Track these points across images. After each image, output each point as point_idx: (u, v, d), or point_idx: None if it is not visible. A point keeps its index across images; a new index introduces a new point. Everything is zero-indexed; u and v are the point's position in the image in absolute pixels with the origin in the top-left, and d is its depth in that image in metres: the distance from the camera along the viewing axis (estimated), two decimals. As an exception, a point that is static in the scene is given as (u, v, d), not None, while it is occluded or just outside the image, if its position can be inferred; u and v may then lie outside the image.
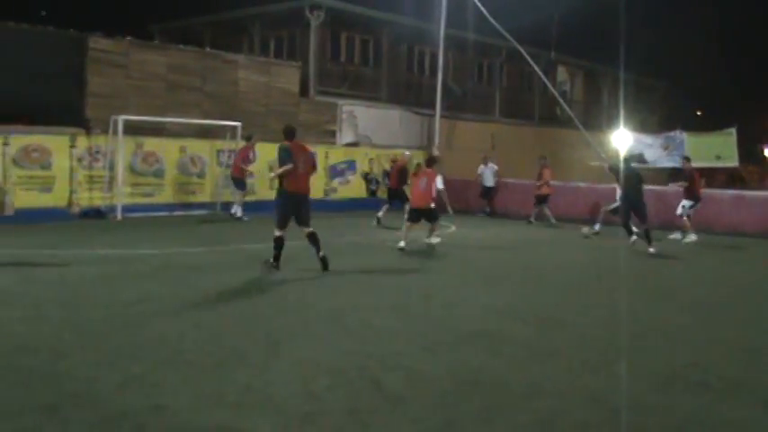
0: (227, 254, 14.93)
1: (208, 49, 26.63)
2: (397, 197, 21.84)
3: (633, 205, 17.44)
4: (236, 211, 21.44)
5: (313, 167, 13.04)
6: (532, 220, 24.12)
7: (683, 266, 15.44)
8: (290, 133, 12.69)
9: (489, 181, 26.57)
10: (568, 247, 18.01)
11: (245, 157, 21.78)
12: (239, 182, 21.75)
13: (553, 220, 23.86)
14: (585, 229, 20.70)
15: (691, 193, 19.98)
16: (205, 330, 8.37)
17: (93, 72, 21.76)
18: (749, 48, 64.77)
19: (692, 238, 19.66)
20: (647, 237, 16.99)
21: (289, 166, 12.21)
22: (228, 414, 5.79)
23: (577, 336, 8.77)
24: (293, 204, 12.49)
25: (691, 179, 20.03)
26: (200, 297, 10.29)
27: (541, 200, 24.25)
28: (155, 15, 35.28)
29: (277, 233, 12.35)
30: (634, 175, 17.77)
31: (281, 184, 12.48)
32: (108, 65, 22.09)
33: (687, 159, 21.16)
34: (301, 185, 12.54)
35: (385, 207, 21.86)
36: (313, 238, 12.72)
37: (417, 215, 16.62)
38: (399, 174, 21.91)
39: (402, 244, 16.01)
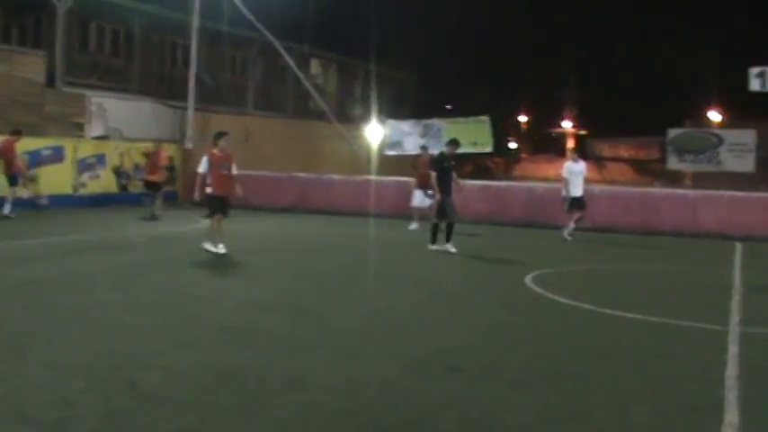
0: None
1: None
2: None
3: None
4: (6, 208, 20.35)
5: None
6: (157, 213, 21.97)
7: (436, 256, 15.95)
8: None
9: None
10: (330, 241, 18.22)
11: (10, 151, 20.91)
12: (12, 177, 20.92)
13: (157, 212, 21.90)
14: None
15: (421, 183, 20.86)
16: (-57, 336, 7.86)
17: None
18: (496, 47, 67.96)
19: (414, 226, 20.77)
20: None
21: None
22: (-29, 425, 5.47)
23: (334, 327, 8.90)
24: None
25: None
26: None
27: (156, 188, 22.39)
28: None
29: None
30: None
31: None
32: None
33: (425, 149, 22.32)
34: None
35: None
36: None
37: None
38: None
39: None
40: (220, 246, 14.47)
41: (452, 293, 11.62)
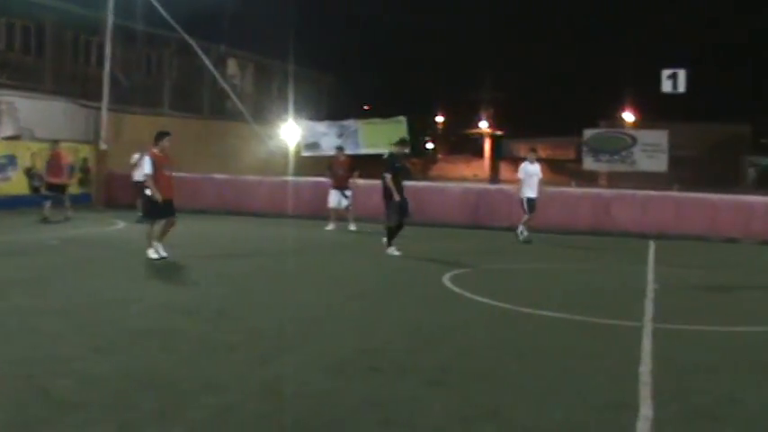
0: None
1: None
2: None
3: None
4: None
5: None
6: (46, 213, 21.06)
7: (353, 257, 15.95)
8: None
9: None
10: (248, 242, 18.09)
11: None
12: None
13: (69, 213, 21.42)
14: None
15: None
16: None
17: None
18: (412, 48, 68.31)
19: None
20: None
21: None
22: None
23: (252, 329, 8.82)
24: None
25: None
26: None
27: (61, 190, 21.85)
28: None
29: None
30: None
31: None
32: None
33: (340, 149, 22.37)
34: None
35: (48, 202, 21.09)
36: None
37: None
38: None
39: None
40: (150, 250, 13.97)
41: (370, 294, 11.64)
